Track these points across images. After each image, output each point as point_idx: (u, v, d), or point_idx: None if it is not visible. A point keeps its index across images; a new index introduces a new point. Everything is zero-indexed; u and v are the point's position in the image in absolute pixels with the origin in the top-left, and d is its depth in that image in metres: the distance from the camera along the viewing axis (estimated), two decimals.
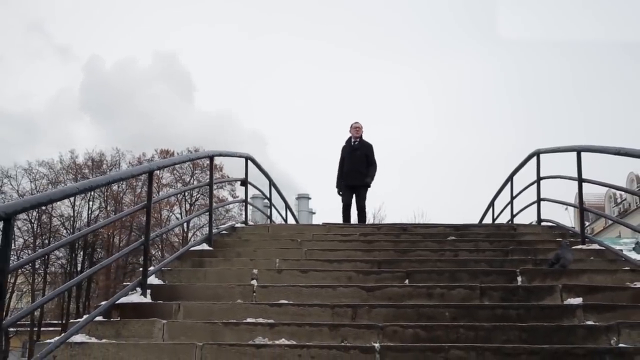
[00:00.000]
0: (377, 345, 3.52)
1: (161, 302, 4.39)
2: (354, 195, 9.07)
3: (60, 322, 33.15)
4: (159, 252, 34.44)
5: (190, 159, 5.87)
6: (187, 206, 36.87)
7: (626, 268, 4.88)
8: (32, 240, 35.13)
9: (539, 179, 7.33)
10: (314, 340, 3.68)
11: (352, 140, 9.18)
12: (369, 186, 9.13)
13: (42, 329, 31.90)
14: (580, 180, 5.89)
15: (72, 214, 35.99)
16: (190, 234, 34.43)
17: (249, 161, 7.58)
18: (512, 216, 8.45)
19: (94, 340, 3.74)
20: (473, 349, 3.41)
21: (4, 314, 2.84)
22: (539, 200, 7.37)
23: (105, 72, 52.96)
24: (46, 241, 35.66)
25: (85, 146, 62.61)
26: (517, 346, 3.43)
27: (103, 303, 4.30)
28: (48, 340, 3.60)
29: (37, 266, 34.28)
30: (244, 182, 7.65)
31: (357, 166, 9.02)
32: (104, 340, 3.75)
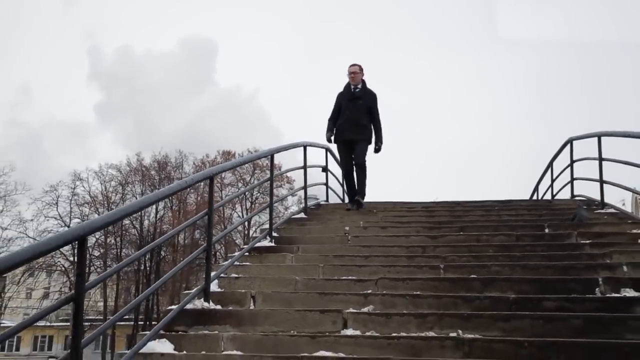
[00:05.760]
0: (441, 265, 5.19)
1: (284, 245, 6.19)
2: (352, 155, 7.80)
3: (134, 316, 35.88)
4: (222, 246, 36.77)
5: (292, 146, 7.54)
6: (248, 204, 39.05)
7: (629, 221, 6.39)
8: (103, 239, 37.81)
9: (572, 162, 8.81)
10: (396, 264, 5.37)
11: (352, 87, 7.86)
12: (370, 143, 7.86)
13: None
14: (600, 160, 7.37)
15: (140, 214, 38.28)
16: (251, 231, 36.58)
17: (327, 152, 9.34)
18: (552, 196, 9.88)
19: (248, 263, 5.56)
20: (507, 265, 5.05)
21: (211, 239, 4.67)
22: (572, 179, 8.85)
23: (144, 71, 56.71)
24: (118, 239, 38.59)
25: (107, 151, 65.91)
26: (538, 263, 5.05)
27: (245, 247, 6.14)
28: (220, 264, 5.47)
29: (109, 263, 36.94)
30: (325, 169, 9.43)
31: (357, 118, 7.73)
32: (254, 264, 5.56)
